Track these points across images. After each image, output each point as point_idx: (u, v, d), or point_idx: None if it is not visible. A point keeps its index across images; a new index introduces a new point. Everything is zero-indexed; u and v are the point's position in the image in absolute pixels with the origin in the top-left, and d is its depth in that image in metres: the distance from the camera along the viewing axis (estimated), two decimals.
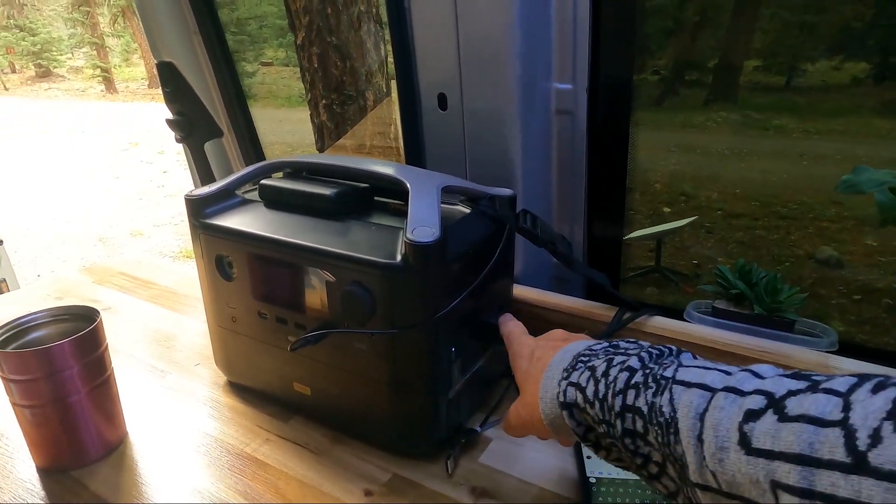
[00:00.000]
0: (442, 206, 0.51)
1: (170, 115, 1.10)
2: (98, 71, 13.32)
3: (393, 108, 2.43)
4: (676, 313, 0.64)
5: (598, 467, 0.52)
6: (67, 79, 14.22)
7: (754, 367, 0.30)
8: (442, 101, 0.67)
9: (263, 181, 0.61)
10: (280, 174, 0.65)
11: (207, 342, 0.76)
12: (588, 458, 0.53)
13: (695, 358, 0.36)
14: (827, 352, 0.55)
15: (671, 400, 0.31)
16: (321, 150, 2.27)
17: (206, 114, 1.10)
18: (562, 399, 0.38)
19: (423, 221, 0.48)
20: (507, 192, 0.60)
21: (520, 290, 0.67)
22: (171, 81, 1.06)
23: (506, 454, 0.55)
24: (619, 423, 0.34)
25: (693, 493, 0.29)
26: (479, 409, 0.61)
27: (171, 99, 1.08)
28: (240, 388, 0.66)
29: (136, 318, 0.85)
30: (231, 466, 0.55)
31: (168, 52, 1.02)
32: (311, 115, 2.34)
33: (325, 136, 2.32)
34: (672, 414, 0.30)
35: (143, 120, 9.26)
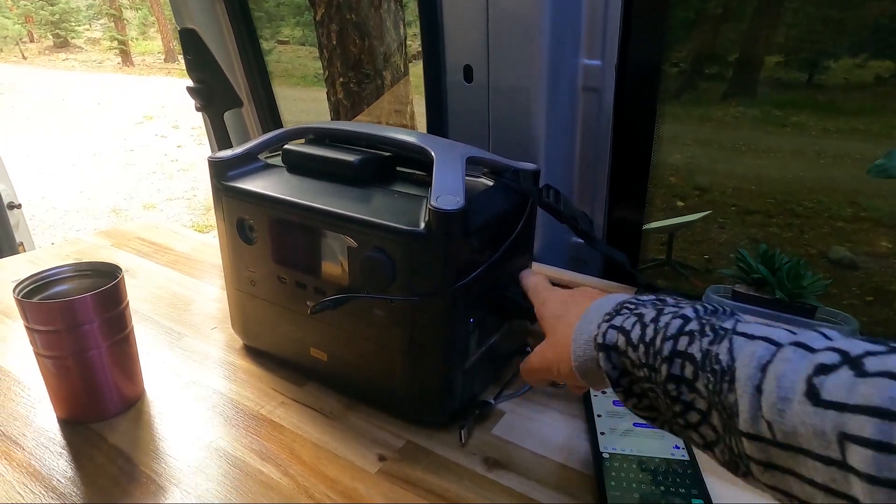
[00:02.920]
0: (466, 177, 0.51)
1: (190, 84, 1.10)
2: (115, 43, 13.32)
3: (409, 89, 2.41)
4: (695, 298, 0.64)
5: (612, 443, 0.52)
6: (85, 50, 14.24)
7: (822, 329, 0.29)
8: (468, 73, 0.66)
9: (287, 146, 0.61)
10: (302, 140, 0.65)
11: (223, 308, 0.76)
12: (602, 433, 0.53)
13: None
14: None
15: (730, 349, 0.30)
16: None
17: (227, 83, 1.09)
18: (601, 341, 0.37)
19: (447, 190, 0.48)
20: (531, 166, 0.60)
21: (538, 268, 0.67)
22: (192, 49, 1.06)
23: (519, 427, 0.55)
24: (664, 367, 0.33)
25: (738, 442, 0.29)
26: (492, 383, 0.61)
27: (192, 67, 1.08)
28: (255, 353, 0.67)
29: (152, 281, 0.85)
30: (247, 426, 0.55)
31: (191, 18, 1.02)
32: (327, 92, 2.33)
33: (342, 114, 2.32)
34: (730, 363, 0.29)
35: (159, 94, 9.27)
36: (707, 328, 0.32)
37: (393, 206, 0.52)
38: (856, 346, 0.26)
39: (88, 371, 0.53)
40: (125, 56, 13.10)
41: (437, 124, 0.71)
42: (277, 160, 0.63)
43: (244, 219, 0.59)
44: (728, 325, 0.32)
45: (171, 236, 1.02)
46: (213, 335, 0.71)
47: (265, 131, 1.15)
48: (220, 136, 1.14)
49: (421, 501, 0.47)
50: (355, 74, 2.30)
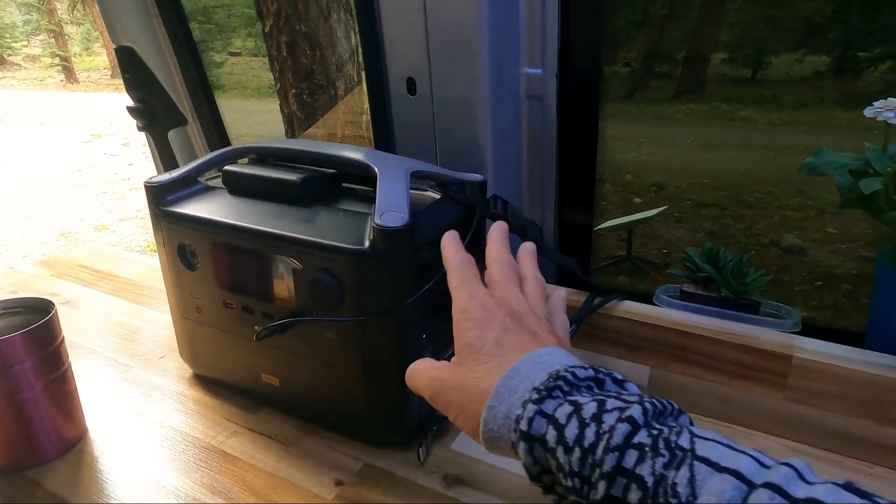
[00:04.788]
0: (411, 191, 0.51)
1: (131, 103, 1.06)
2: (57, 60, 12.85)
3: (364, 98, 2.39)
4: (646, 299, 0.65)
5: None
6: (24, 67, 13.68)
7: (791, 462, 0.25)
8: (411, 86, 0.66)
9: (227, 167, 0.59)
10: (245, 160, 0.63)
11: (173, 335, 0.73)
12: None
13: (693, 425, 0.30)
14: (791, 332, 0.56)
15: (691, 480, 0.25)
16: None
17: (169, 101, 1.06)
18: (525, 429, 0.30)
19: (391, 206, 0.47)
20: (477, 177, 0.59)
21: None
22: (130, 67, 1.02)
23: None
24: (603, 485, 0.27)
25: None
26: None
27: (131, 85, 1.04)
28: (206, 381, 0.65)
29: (96, 311, 0.82)
30: (197, 460, 0.53)
31: (127, 36, 0.99)
32: (280, 104, 2.29)
33: (296, 125, 2.28)
34: (690, 498, 0.24)
35: (107, 111, 8.97)
36: (661, 443, 0.27)
37: (338, 224, 0.51)
38: (837, 496, 0.23)
39: (22, 414, 0.51)
40: (68, 73, 12.64)
41: (384, 139, 0.70)
42: (218, 182, 0.61)
43: (185, 244, 0.57)
44: (685, 441, 0.27)
45: (116, 262, 0.98)
46: (162, 364, 0.69)
47: (212, 149, 1.12)
48: (165, 156, 1.10)
49: None
50: (308, 85, 2.27)
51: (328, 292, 0.48)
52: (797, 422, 0.53)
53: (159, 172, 1.16)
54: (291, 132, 2.30)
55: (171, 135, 1.09)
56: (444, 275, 0.42)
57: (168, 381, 0.65)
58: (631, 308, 0.60)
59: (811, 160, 0.50)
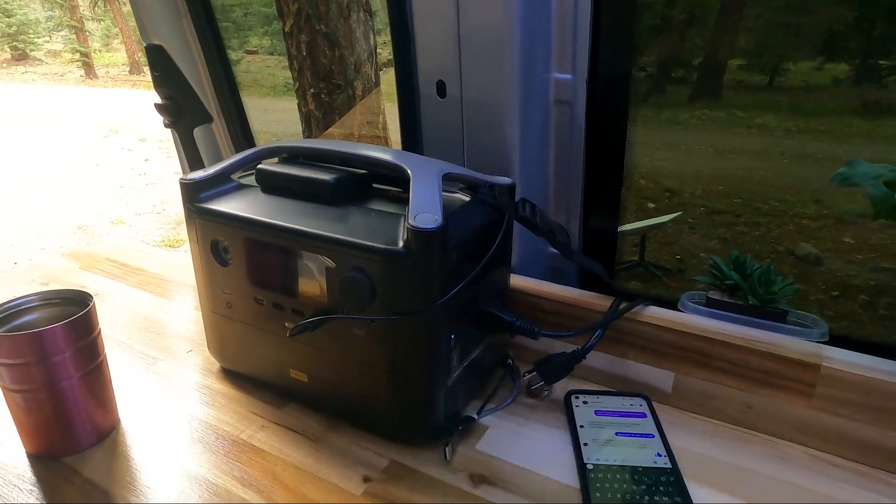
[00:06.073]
0: (442, 193, 0.51)
1: (158, 100, 1.08)
2: (77, 55, 13.01)
3: (381, 98, 2.41)
4: (670, 304, 0.65)
5: (595, 454, 0.52)
6: (45, 62, 13.87)
7: None
8: (441, 88, 0.67)
9: (260, 166, 0.60)
10: (275, 160, 0.64)
11: (199, 329, 0.75)
12: (585, 444, 0.54)
13: None
14: (818, 342, 0.56)
15: None
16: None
17: (196, 99, 1.08)
18: None
19: (425, 208, 0.48)
20: (506, 180, 0.60)
21: (516, 280, 0.67)
22: (159, 65, 1.04)
23: (503, 441, 0.55)
24: None
25: None
26: (474, 398, 0.61)
27: (159, 83, 1.06)
28: (233, 375, 0.66)
29: (124, 304, 0.83)
30: (227, 452, 0.54)
31: (157, 34, 1.00)
32: (298, 104, 2.31)
33: (313, 125, 2.30)
34: None
35: (125, 106, 9.08)
36: None
37: (370, 224, 0.52)
38: None
39: (60, 403, 0.52)
40: (88, 68, 12.81)
41: (412, 140, 0.71)
42: (250, 180, 0.62)
43: (219, 241, 0.58)
44: None
45: (142, 256, 0.99)
46: (189, 358, 0.70)
47: (236, 147, 1.14)
48: (191, 153, 1.12)
49: None
50: (326, 85, 2.29)
51: (361, 291, 0.49)
52: (823, 431, 0.53)
53: (184, 169, 1.18)
54: (309, 131, 2.32)
55: (197, 132, 1.11)
56: (473, 277, 0.42)
57: (195, 374, 0.67)
58: (656, 314, 0.61)
59: (844, 170, 0.50)
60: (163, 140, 6.80)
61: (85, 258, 0.99)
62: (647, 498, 0.48)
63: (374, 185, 0.60)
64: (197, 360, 0.69)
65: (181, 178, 0.59)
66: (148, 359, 0.70)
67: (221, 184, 0.60)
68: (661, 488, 0.49)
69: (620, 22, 0.62)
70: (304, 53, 2.25)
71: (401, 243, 0.48)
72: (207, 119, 1.10)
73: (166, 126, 1.10)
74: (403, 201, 0.55)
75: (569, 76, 0.64)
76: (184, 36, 1.03)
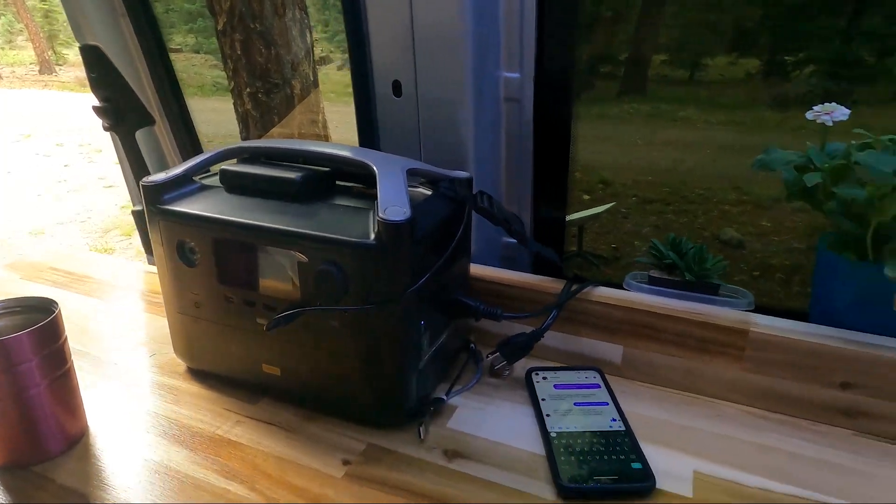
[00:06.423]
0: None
1: (96, 103, 1.04)
2: None
3: (320, 97, 2.39)
4: (616, 285, 0.70)
5: (557, 423, 0.57)
6: None
7: None
8: (396, 88, 0.69)
9: (224, 166, 0.61)
10: (234, 161, 0.65)
11: (157, 333, 0.75)
12: (547, 415, 0.58)
13: None
14: (746, 310, 0.63)
15: None
16: (247, 139, 2.20)
17: (137, 100, 1.05)
18: None
19: (393, 202, 0.51)
20: (464, 174, 0.64)
21: (475, 269, 0.71)
22: (96, 66, 1.01)
23: (471, 419, 0.59)
24: None
25: None
26: (442, 381, 0.65)
27: (96, 85, 1.03)
28: (201, 375, 0.66)
29: (77, 313, 0.81)
30: (205, 448, 0.55)
31: (93, 34, 0.97)
32: (234, 103, 2.26)
33: (251, 125, 2.26)
34: None
35: (37, 109, 8.49)
36: None
37: (340, 219, 0.54)
38: None
39: (28, 412, 0.51)
40: None
41: (369, 138, 0.73)
42: (213, 181, 0.62)
43: (185, 241, 0.58)
44: None
45: (88, 264, 0.96)
46: (154, 361, 0.69)
47: (181, 149, 1.12)
48: (133, 157, 1.09)
49: (391, 499, 0.49)
50: (263, 84, 2.25)
51: (334, 283, 0.51)
52: (754, 389, 0.60)
53: (125, 174, 1.14)
54: (247, 131, 2.27)
55: (139, 135, 1.08)
56: (441, 265, 0.45)
57: (162, 376, 0.66)
58: (605, 293, 0.66)
59: (762, 157, 0.57)
60: (83, 144, 6.42)
61: (26, 268, 0.95)
62: (605, 457, 0.53)
63: (338, 182, 0.62)
64: (161, 363, 0.69)
65: (142, 181, 0.59)
66: (110, 365, 0.69)
67: (184, 185, 0.61)
68: (618, 448, 0.54)
69: (564, 19, 0.67)
70: (239, 52, 2.21)
71: (372, 236, 0.50)
72: (150, 121, 1.08)
73: (105, 129, 1.07)
74: (368, 197, 0.58)
75: (517, 75, 0.69)
76: (122, 36, 1.00)
